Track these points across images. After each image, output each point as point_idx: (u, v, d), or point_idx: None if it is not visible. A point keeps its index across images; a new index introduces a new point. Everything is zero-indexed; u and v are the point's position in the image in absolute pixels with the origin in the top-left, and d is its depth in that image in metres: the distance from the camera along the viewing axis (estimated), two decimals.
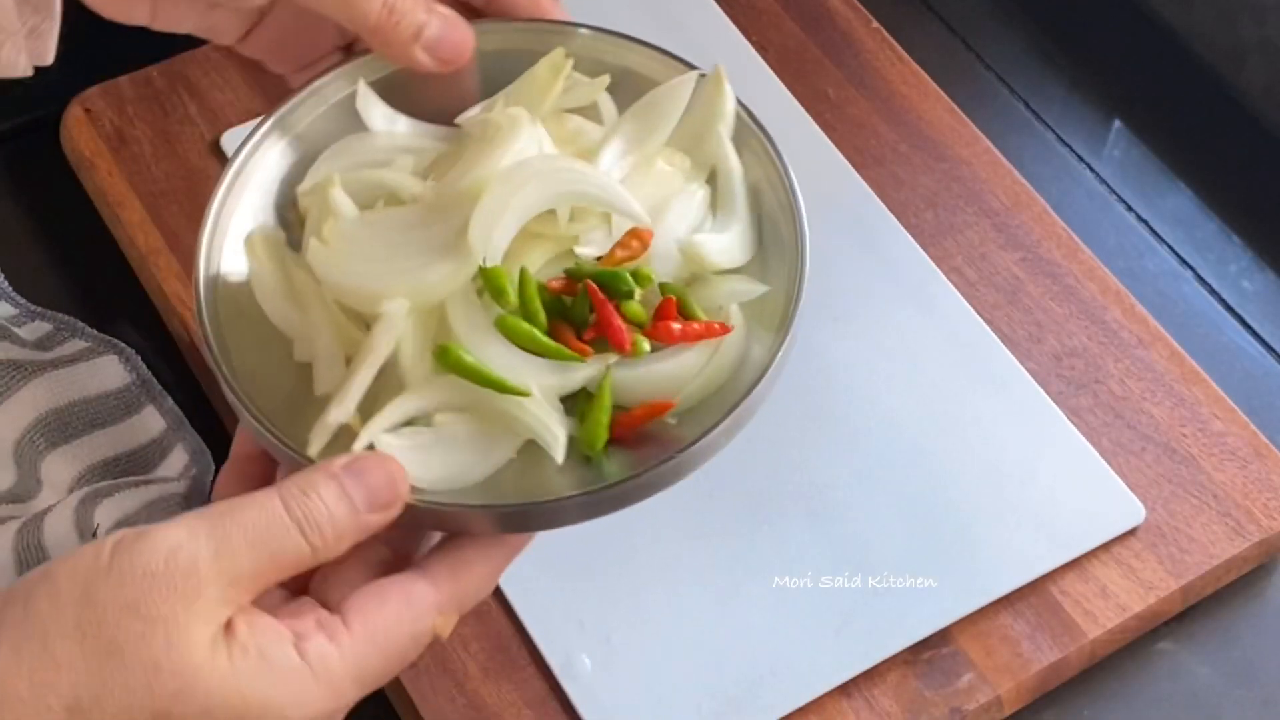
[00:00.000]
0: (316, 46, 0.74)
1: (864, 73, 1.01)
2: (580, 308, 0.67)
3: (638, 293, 0.67)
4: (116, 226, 0.94)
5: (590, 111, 0.73)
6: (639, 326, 0.67)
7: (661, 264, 0.69)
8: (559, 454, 0.65)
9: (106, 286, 0.94)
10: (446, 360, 0.65)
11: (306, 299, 0.68)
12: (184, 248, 0.92)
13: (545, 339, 0.66)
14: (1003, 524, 0.84)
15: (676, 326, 0.67)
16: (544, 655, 0.80)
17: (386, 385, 0.67)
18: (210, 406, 0.89)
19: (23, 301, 0.91)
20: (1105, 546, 0.84)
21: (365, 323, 0.67)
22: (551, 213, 0.68)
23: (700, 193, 0.72)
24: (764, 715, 0.79)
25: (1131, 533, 0.85)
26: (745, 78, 1.00)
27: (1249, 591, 0.86)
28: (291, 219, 0.72)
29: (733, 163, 0.72)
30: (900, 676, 0.80)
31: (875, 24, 1.03)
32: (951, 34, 1.07)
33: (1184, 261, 0.98)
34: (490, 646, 0.81)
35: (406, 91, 0.73)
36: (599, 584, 0.81)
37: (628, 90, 0.73)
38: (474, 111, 0.73)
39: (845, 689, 0.80)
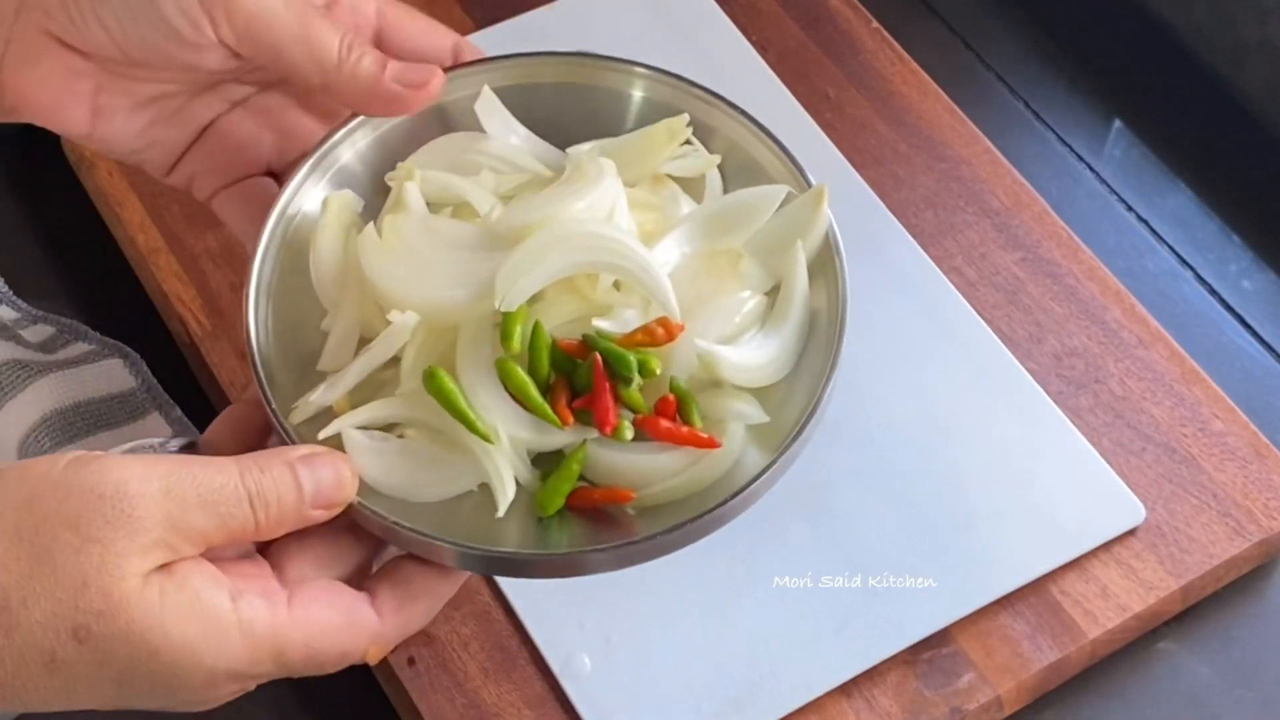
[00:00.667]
0: (243, 168, 0.75)
1: (864, 73, 1.01)
2: (585, 375, 0.67)
3: (637, 381, 0.67)
4: (116, 226, 0.94)
5: (695, 181, 0.74)
6: (634, 412, 0.67)
7: (683, 360, 0.69)
8: (501, 506, 0.66)
9: (106, 286, 0.94)
10: (430, 382, 0.66)
11: (347, 277, 0.70)
12: (183, 247, 0.93)
13: (534, 393, 0.67)
14: (1003, 524, 0.84)
15: (666, 425, 0.67)
16: (544, 655, 0.80)
17: (388, 385, 0.68)
18: (210, 406, 0.89)
19: (25, 306, 0.91)
20: (1105, 546, 0.84)
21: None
22: (596, 275, 0.68)
23: (752, 302, 0.71)
24: (764, 715, 0.79)
25: (1131, 533, 0.85)
26: (745, 78, 1.00)
27: (1249, 591, 0.86)
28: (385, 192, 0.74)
29: (800, 283, 0.71)
30: (900, 676, 0.80)
31: (875, 24, 1.03)
32: (951, 34, 1.07)
33: (1184, 261, 0.98)
34: (490, 646, 0.81)
35: (526, 111, 0.75)
36: (599, 584, 0.81)
37: (736, 168, 0.74)
38: (585, 147, 0.73)
39: (845, 689, 0.80)
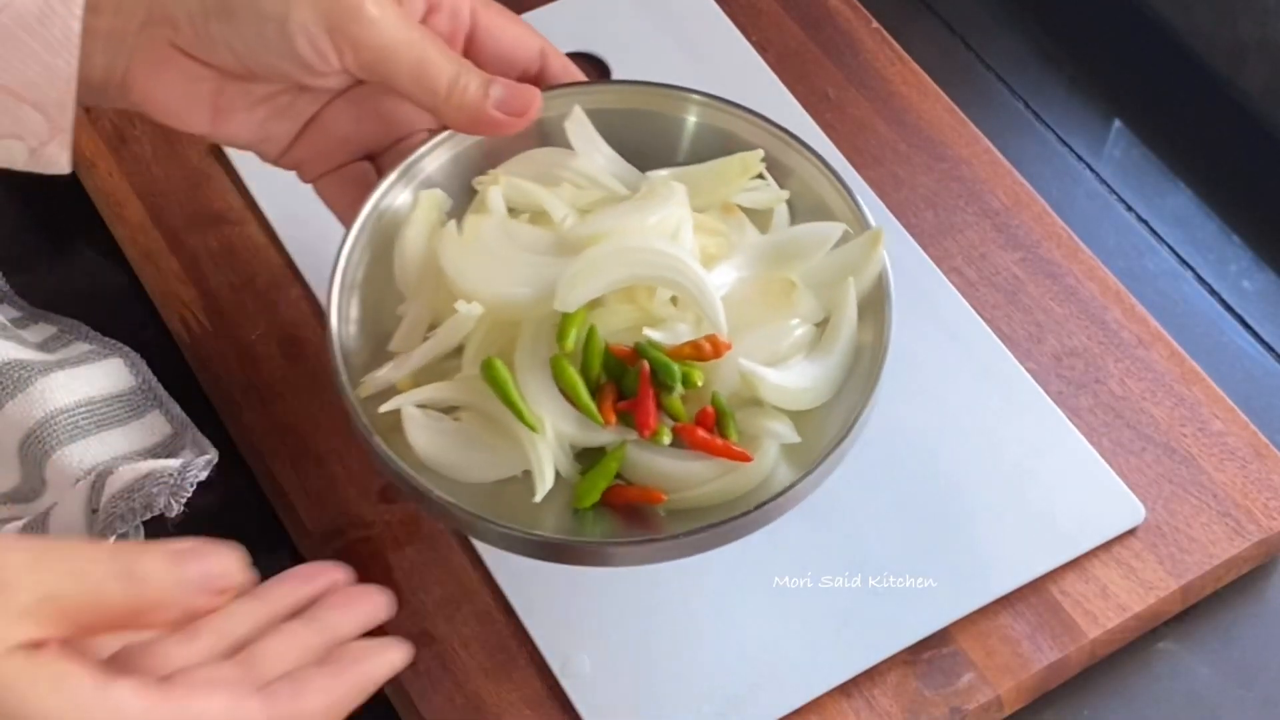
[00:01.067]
0: (345, 155, 0.80)
1: (864, 73, 1.01)
2: (632, 380, 0.72)
3: (679, 390, 0.72)
4: (116, 226, 0.94)
5: (764, 215, 0.79)
6: (674, 419, 0.72)
7: (727, 376, 0.73)
8: (539, 493, 0.71)
9: (106, 286, 0.94)
10: (486, 371, 0.71)
11: (426, 268, 0.76)
12: (184, 248, 0.93)
13: (583, 392, 0.72)
14: (1003, 524, 0.84)
15: (703, 435, 0.72)
16: (544, 655, 0.80)
17: (452, 371, 0.75)
18: (210, 406, 0.89)
19: (25, 305, 0.91)
20: (1105, 546, 0.84)
21: None
22: (654, 288, 0.74)
23: (799, 330, 0.76)
24: (764, 715, 0.79)
25: (1131, 533, 0.85)
26: (745, 78, 1.00)
27: (1249, 591, 0.86)
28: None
29: (848, 318, 0.75)
30: (900, 676, 0.80)
31: (875, 24, 1.03)
32: (951, 34, 1.07)
33: (1184, 261, 0.98)
34: (490, 646, 0.81)
35: (610, 131, 0.80)
36: (599, 584, 0.81)
37: (804, 206, 0.79)
38: (663, 173, 0.79)
39: (845, 689, 0.80)
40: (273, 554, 0.85)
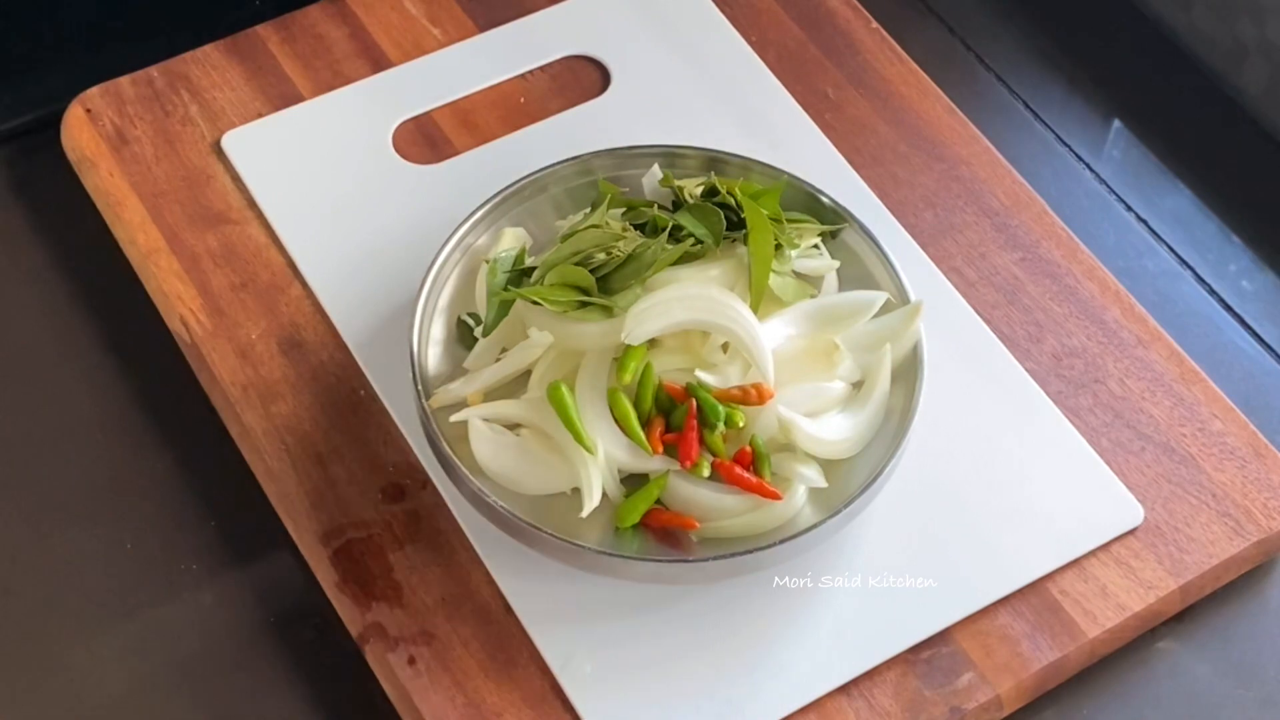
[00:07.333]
0: None
1: (864, 73, 1.01)
2: (680, 416, 0.79)
3: (721, 429, 0.78)
4: (116, 226, 0.94)
5: (815, 279, 0.86)
6: (714, 455, 0.79)
7: (766, 422, 0.80)
8: (586, 509, 0.78)
9: (106, 286, 0.94)
10: (551, 394, 0.78)
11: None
12: (184, 247, 0.93)
13: (634, 422, 0.79)
14: (1002, 524, 0.84)
15: (739, 472, 0.79)
16: (544, 655, 0.80)
17: (517, 392, 0.82)
18: (210, 406, 0.89)
19: None
20: (1105, 546, 0.84)
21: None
22: (708, 335, 0.81)
23: (837, 388, 0.82)
24: (764, 715, 0.79)
25: (1131, 532, 0.85)
26: (744, 78, 1.00)
27: (1249, 591, 0.86)
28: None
29: (882, 382, 0.82)
30: (900, 676, 0.80)
31: (875, 24, 1.03)
32: (951, 34, 1.07)
33: (1183, 261, 0.98)
34: (490, 646, 0.81)
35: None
36: (599, 584, 0.81)
37: (852, 275, 0.86)
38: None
39: (845, 689, 0.80)
40: (273, 554, 0.85)
